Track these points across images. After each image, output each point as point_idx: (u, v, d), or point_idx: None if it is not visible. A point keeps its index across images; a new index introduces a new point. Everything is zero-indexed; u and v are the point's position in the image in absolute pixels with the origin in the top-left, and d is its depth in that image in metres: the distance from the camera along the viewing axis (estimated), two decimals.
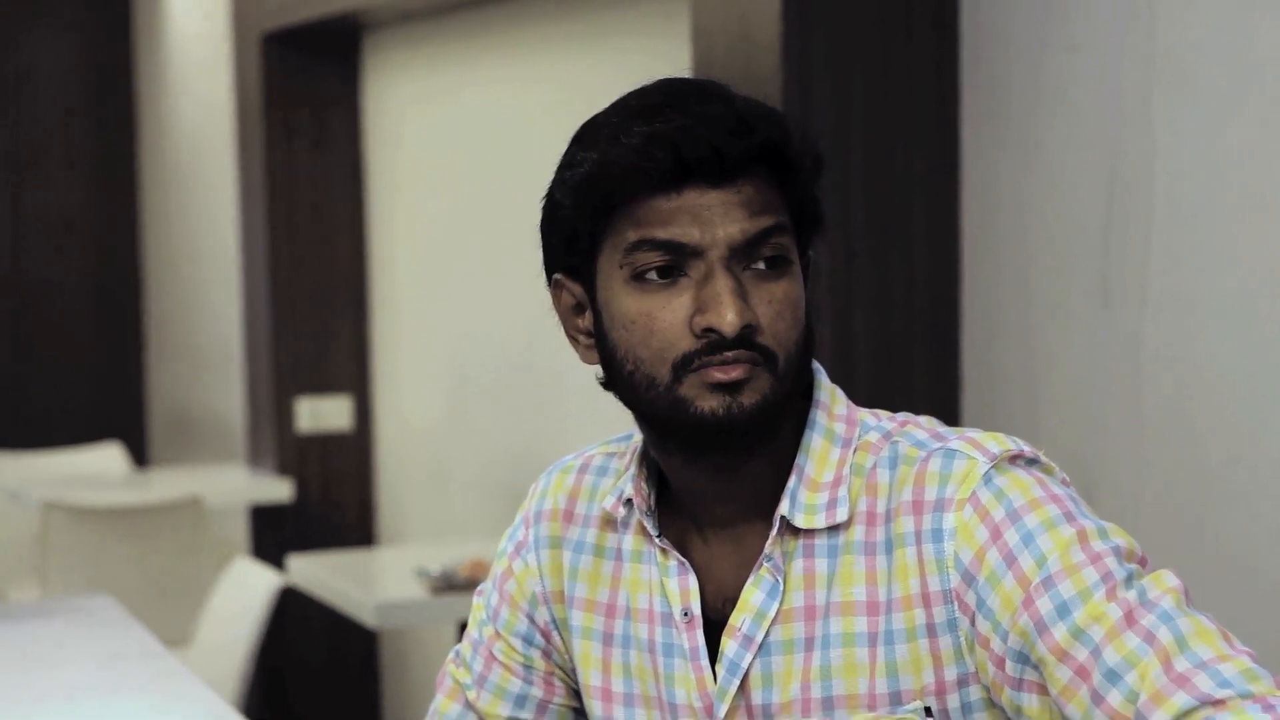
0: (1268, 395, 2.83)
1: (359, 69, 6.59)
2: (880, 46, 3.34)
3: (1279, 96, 2.80)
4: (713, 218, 1.73)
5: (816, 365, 1.85)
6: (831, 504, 1.79)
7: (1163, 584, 1.67)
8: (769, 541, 1.79)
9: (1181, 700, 1.56)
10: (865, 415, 1.85)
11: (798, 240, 1.80)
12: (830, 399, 1.84)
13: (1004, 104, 3.31)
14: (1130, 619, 1.63)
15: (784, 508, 1.79)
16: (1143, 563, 1.71)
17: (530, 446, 5.45)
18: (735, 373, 1.72)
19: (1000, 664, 1.71)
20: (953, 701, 1.77)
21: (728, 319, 1.70)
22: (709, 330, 1.71)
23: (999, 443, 1.77)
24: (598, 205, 1.77)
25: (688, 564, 1.85)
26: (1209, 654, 1.60)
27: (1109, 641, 1.63)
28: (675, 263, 1.74)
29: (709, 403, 1.73)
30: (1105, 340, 3.12)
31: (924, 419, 1.85)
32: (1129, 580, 1.67)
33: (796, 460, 1.81)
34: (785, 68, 3.27)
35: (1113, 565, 1.69)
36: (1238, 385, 2.89)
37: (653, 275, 1.75)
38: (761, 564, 1.81)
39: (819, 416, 1.83)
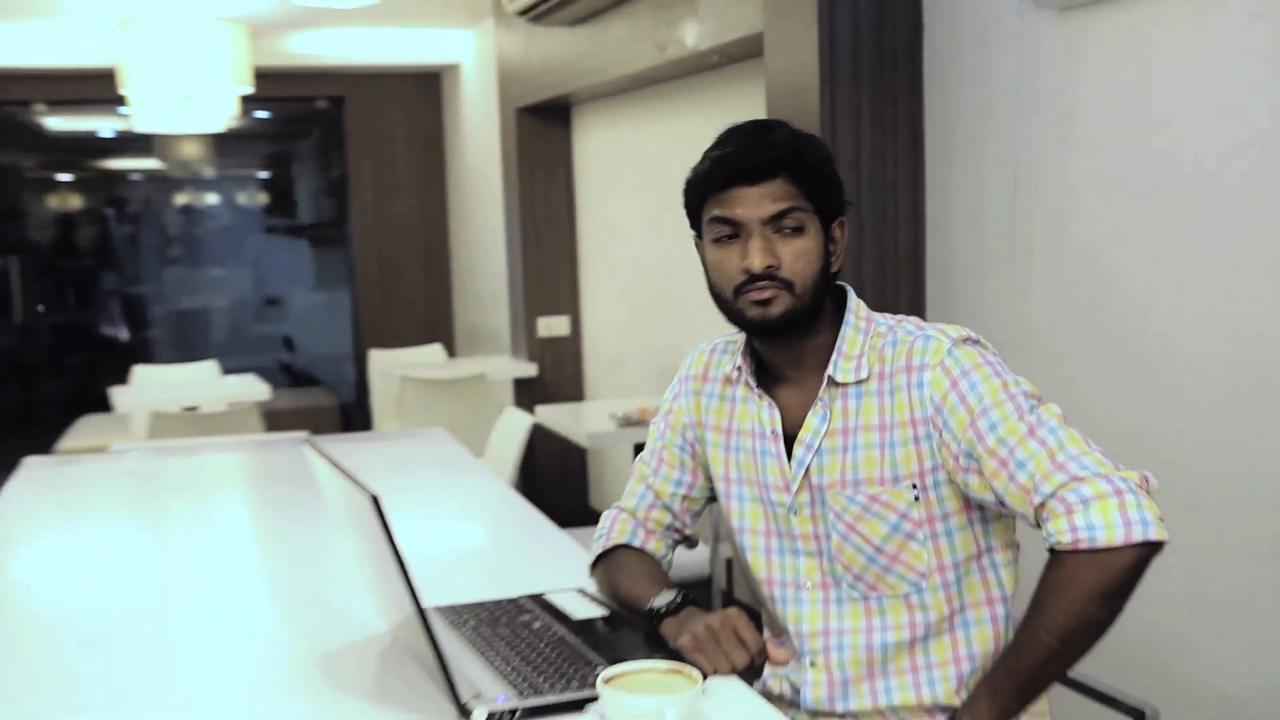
0: (1108, 309, 2.79)
1: (570, 126, 6.57)
2: (878, 103, 3.29)
3: (1116, 125, 2.74)
4: (750, 203, 1.78)
5: (849, 288, 1.88)
6: (858, 368, 1.81)
7: (1051, 411, 1.73)
8: (821, 389, 1.83)
9: (1059, 477, 1.63)
10: (878, 316, 1.88)
11: (821, 216, 1.81)
12: (857, 308, 1.87)
13: (950, 137, 3.25)
14: (1032, 432, 1.68)
15: (830, 370, 1.82)
16: (1039, 399, 1.76)
17: (673, 341, 5.45)
18: (766, 294, 1.78)
19: (956, 459, 1.73)
20: (929, 480, 1.78)
21: (755, 262, 1.76)
22: (747, 269, 1.76)
23: (958, 331, 1.82)
24: (693, 196, 1.84)
25: (774, 403, 1.88)
26: (1077, 451, 1.66)
27: (1019, 445, 1.67)
28: (733, 231, 1.79)
29: (752, 313, 1.80)
30: (1010, 277, 3.08)
31: (911, 319, 1.87)
32: (1032, 410, 1.72)
33: (837, 344, 1.84)
34: (822, 116, 3.24)
35: (1022, 401, 1.72)
36: (1090, 309, 2.84)
37: (722, 238, 1.81)
38: (817, 403, 1.83)
39: (850, 318, 1.86)
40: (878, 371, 1.79)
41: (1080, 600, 1.60)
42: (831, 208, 1.81)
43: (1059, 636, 1.62)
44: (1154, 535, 1.58)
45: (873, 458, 1.78)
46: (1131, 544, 1.58)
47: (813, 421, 1.82)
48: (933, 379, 1.75)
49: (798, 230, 1.77)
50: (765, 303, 1.77)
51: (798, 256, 1.77)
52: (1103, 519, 1.58)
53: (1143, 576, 1.61)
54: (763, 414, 1.87)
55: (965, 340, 1.77)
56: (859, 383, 1.80)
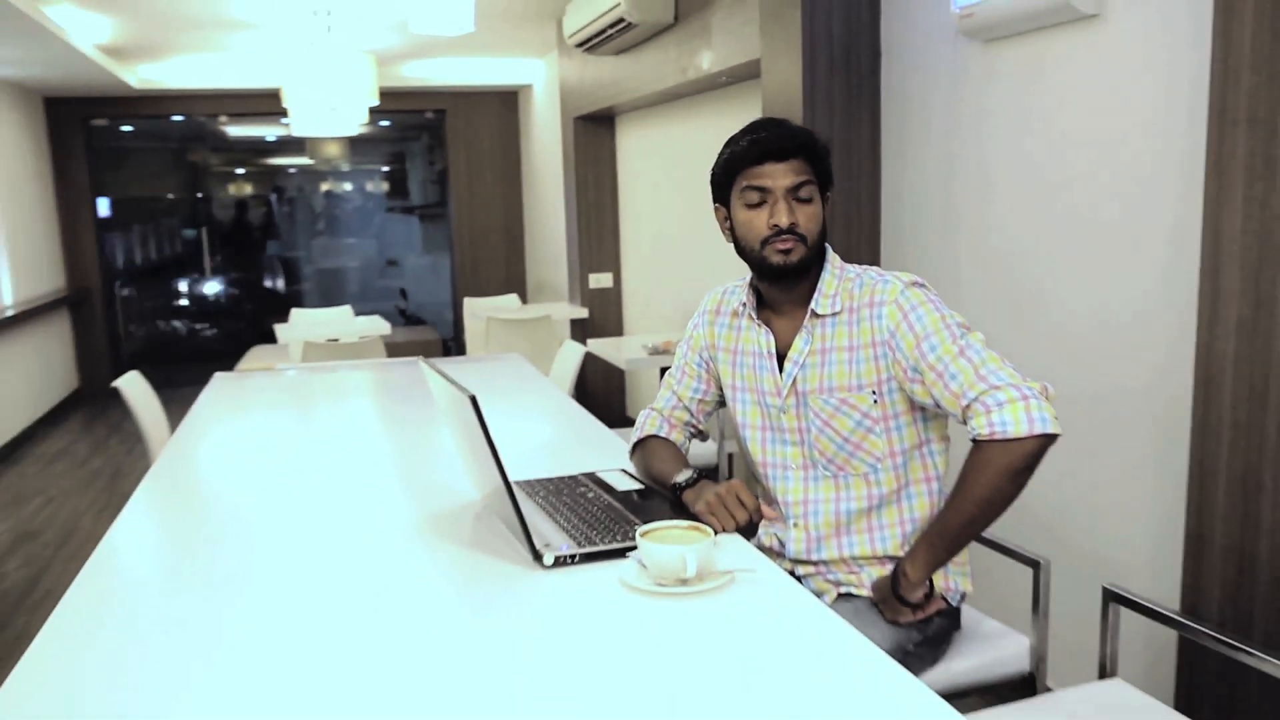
0: (1016, 263, 2.75)
1: (614, 131, 6.49)
2: (846, 111, 3.23)
3: (1024, 129, 2.69)
4: (777, 176, 1.74)
5: (828, 245, 1.84)
6: (833, 303, 1.78)
7: (976, 338, 1.69)
8: (806, 319, 1.80)
9: (981, 386, 1.61)
10: (849, 266, 1.84)
11: (822, 189, 1.77)
12: (833, 259, 1.83)
13: (901, 137, 3.20)
14: (961, 353, 1.65)
15: (813, 304, 1.79)
16: (968, 328, 1.72)
17: (688, 291, 5.42)
18: (788, 244, 1.75)
19: (905, 372, 1.71)
20: (884, 388, 1.76)
21: (783, 220, 1.72)
22: (775, 225, 1.73)
23: (908, 276, 1.78)
24: (730, 171, 1.79)
25: (770, 330, 1.85)
26: (995, 367, 1.64)
27: (952, 362, 1.64)
28: (762, 198, 1.74)
29: (776, 259, 1.76)
30: (944, 243, 3.03)
31: (874, 268, 1.84)
32: (962, 336, 1.69)
33: (818, 285, 1.80)
34: (804, 121, 3.19)
35: (955, 330, 1.69)
36: (1002, 263, 2.80)
37: (753, 202, 1.75)
38: (802, 330, 1.81)
39: (829, 267, 1.82)
40: (848, 306, 1.77)
41: (994, 477, 1.58)
42: (828, 183, 1.80)
43: (978, 505, 1.61)
44: (1050, 429, 1.57)
45: (843, 371, 1.76)
46: (1033, 435, 1.56)
47: (799, 343, 1.80)
48: (889, 312, 1.72)
49: (809, 199, 1.75)
50: (787, 252, 1.74)
51: (809, 218, 1.75)
52: (1012, 417, 1.57)
53: (1041, 460, 1.59)
54: (761, 338, 1.85)
55: (914, 284, 1.75)
56: (834, 314, 1.77)
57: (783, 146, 1.73)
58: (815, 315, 1.79)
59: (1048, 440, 1.58)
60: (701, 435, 2.09)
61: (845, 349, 1.76)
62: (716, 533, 1.66)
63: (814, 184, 1.75)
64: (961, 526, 1.64)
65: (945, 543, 1.66)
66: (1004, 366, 1.62)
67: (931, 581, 1.71)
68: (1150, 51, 2.32)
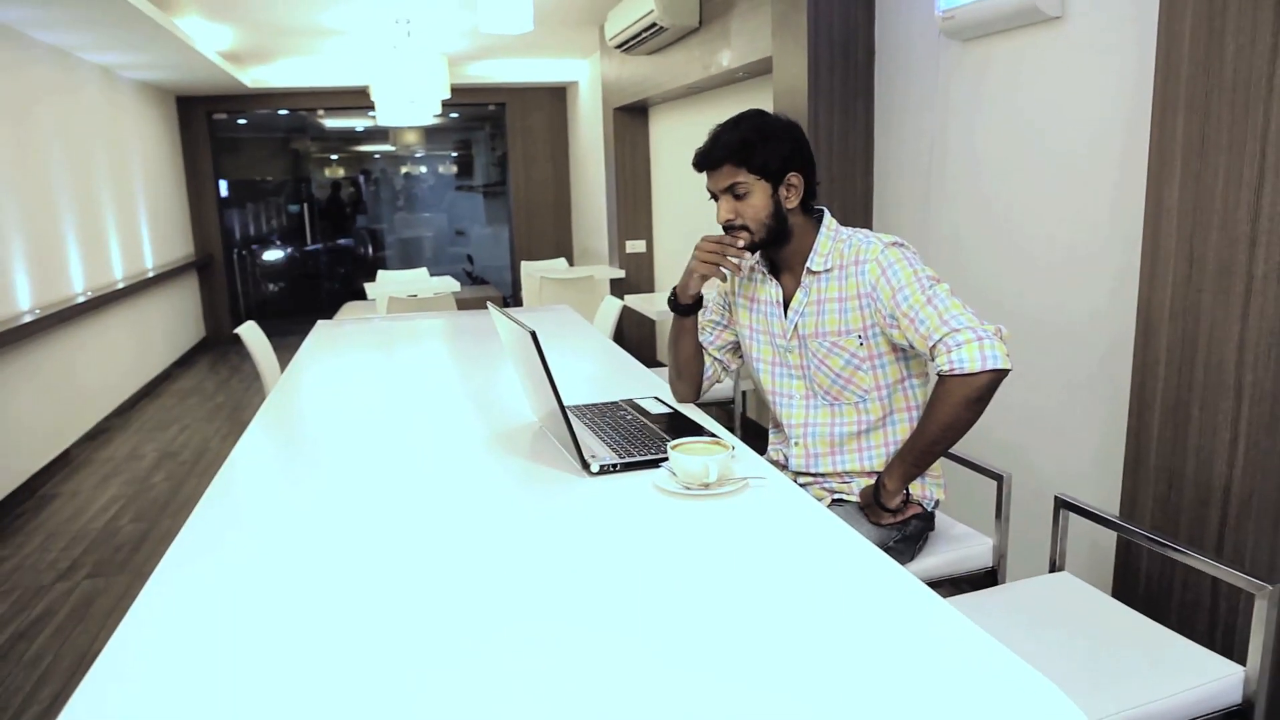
0: (984, 233, 2.72)
1: (648, 120, 6.42)
2: (845, 100, 3.19)
3: (995, 115, 2.65)
4: (713, 181, 1.72)
5: (827, 211, 1.83)
6: (826, 261, 1.77)
7: (943, 288, 1.67)
8: (804, 276, 1.78)
9: (943, 329, 1.59)
10: (843, 229, 1.81)
11: (769, 178, 1.71)
12: (829, 223, 1.81)
13: (890, 123, 3.16)
14: (929, 301, 1.64)
15: (809, 263, 1.77)
16: (937, 280, 1.69)
17: None
18: (735, 233, 1.74)
19: (884, 319, 1.70)
20: (868, 333, 1.75)
21: (720, 218, 1.71)
22: (720, 222, 1.72)
23: (889, 238, 1.76)
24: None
25: (778, 283, 1.84)
26: (957, 313, 1.62)
27: (921, 309, 1.63)
28: (714, 196, 1.72)
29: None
30: (925, 216, 3.00)
31: (864, 230, 1.81)
32: (931, 287, 1.67)
33: (815, 246, 1.78)
34: (809, 109, 3.15)
35: (925, 282, 1.67)
36: (969, 235, 2.78)
37: (713, 199, 1.74)
38: (801, 283, 1.79)
39: (824, 231, 1.80)
40: (838, 263, 1.76)
41: (954, 405, 1.59)
42: (777, 171, 1.73)
43: (942, 429, 1.62)
44: (1001, 365, 1.57)
45: (834, 318, 1.77)
46: (986, 370, 1.57)
47: (799, 295, 1.80)
48: (870, 269, 1.72)
49: (746, 194, 1.72)
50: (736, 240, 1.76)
51: (751, 209, 1.73)
52: (969, 355, 1.57)
53: (995, 391, 1.60)
54: (771, 290, 1.86)
55: (893, 244, 1.74)
56: (826, 271, 1.77)
57: (710, 160, 1.72)
58: (811, 272, 1.79)
59: (999, 374, 1.58)
60: (728, 371, 2.09)
61: (836, 300, 1.76)
62: (733, 448, 1.68)
63: (747, 181, 1.72)
64: (928, 446, 1.65)
65: (915, 459, 1.68)
66: (965, 312, 1.62)
67: (908, 491, 1.73)
68: (1105, 48, 2.28)
